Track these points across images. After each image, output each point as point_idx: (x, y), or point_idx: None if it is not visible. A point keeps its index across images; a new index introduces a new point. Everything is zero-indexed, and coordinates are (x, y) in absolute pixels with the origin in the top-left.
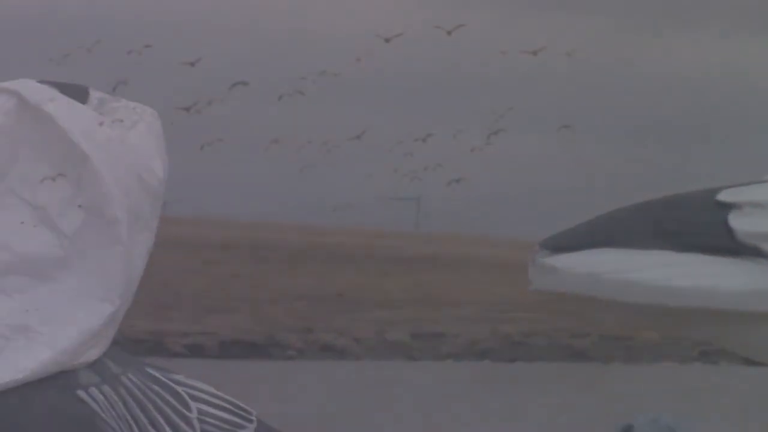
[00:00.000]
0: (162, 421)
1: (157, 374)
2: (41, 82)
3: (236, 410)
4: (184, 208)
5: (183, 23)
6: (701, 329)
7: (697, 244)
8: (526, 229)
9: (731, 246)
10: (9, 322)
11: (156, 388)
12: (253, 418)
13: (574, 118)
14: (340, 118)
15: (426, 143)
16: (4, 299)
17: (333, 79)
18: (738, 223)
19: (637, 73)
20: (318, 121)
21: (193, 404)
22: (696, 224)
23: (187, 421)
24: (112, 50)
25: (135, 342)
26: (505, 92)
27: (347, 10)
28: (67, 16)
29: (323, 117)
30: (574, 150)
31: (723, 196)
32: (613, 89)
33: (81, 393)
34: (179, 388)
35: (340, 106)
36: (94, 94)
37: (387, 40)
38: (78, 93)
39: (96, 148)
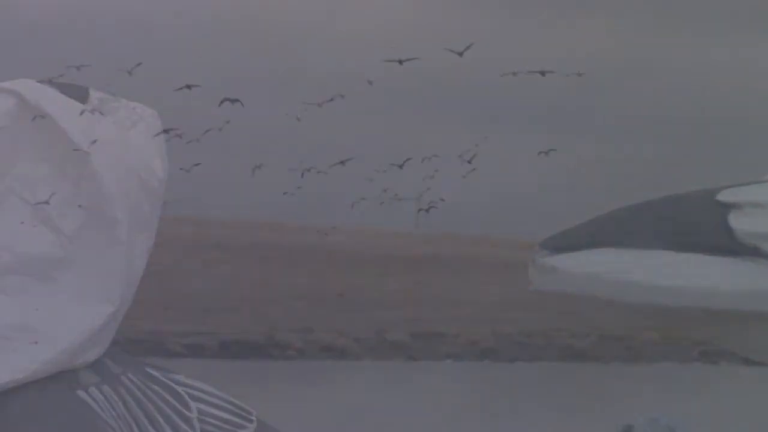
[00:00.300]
0: (162, 421)
1: (157, 374)
2: (41, 82)
3: (236, 410)
4: (184, 208)
5: (182, 47)
6: (701, 329)
7: (697, 244)
8: (526, 229)
9: (731, 246)
10: (9, 322)
11: (156, 388)
12: (253, 418)
13: (574, 120)
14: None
15: (431, 148)
16: (5, 299)
17: (340, 100)
18: (738, 223)
19: (637, 74)
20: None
21: (193, 404)
22: (696, 224)
23: (187, 421)
24: (103, 70)
25: (135, 342)
26: (508, 94)
27: (356, 30)
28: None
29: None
30: (574, 150)
31: (723, 196)
32: (613, 90)
33: (81, 393)
34: (179, 388)
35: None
36: (94, 95)
37: (401, 63)
38: (78, 93)
39: (96, 148)
